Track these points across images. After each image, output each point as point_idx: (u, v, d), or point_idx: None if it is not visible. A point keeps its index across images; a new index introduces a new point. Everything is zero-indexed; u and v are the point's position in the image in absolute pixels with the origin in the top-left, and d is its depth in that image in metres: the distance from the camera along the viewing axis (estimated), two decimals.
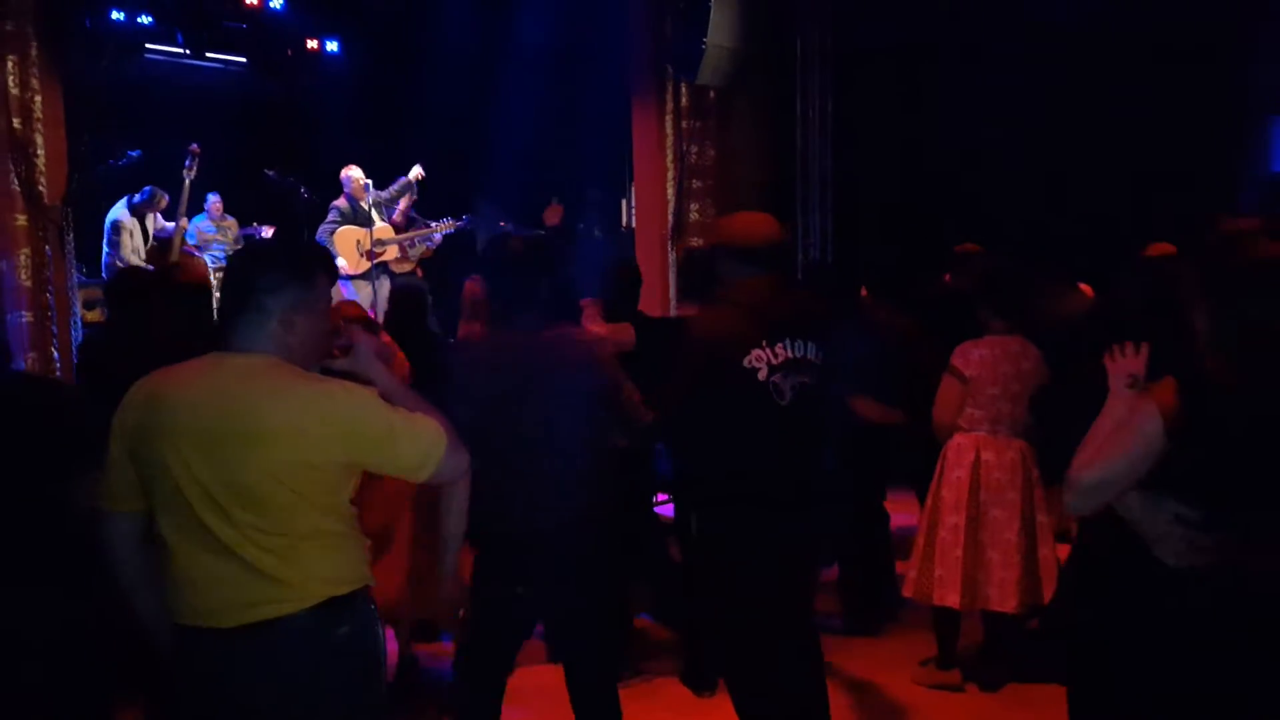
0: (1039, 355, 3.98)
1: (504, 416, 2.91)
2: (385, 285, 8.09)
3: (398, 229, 8.45)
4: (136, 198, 7.73)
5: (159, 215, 7.96)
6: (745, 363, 2.96)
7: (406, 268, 8.48)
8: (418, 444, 2.17)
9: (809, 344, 3.04)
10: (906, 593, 4.14)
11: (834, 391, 3.56)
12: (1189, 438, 2.11)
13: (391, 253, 8.24)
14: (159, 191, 7.78)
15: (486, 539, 3.04)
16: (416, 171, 8.56)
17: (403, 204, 8.56)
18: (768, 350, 2.97)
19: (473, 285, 4.83)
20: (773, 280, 3.06)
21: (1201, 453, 2.13)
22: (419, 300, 4.84)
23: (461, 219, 8.70)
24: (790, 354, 3.00)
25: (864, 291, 5.12)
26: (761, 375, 2.96)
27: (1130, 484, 2.19)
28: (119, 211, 7.64)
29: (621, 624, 4.29)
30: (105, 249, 7.61)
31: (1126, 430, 2.18)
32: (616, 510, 3.25)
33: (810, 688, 3.24)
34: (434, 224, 8.52)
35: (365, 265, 8.10)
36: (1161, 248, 4.71)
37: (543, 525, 2.95)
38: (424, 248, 8.56)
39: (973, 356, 3.97)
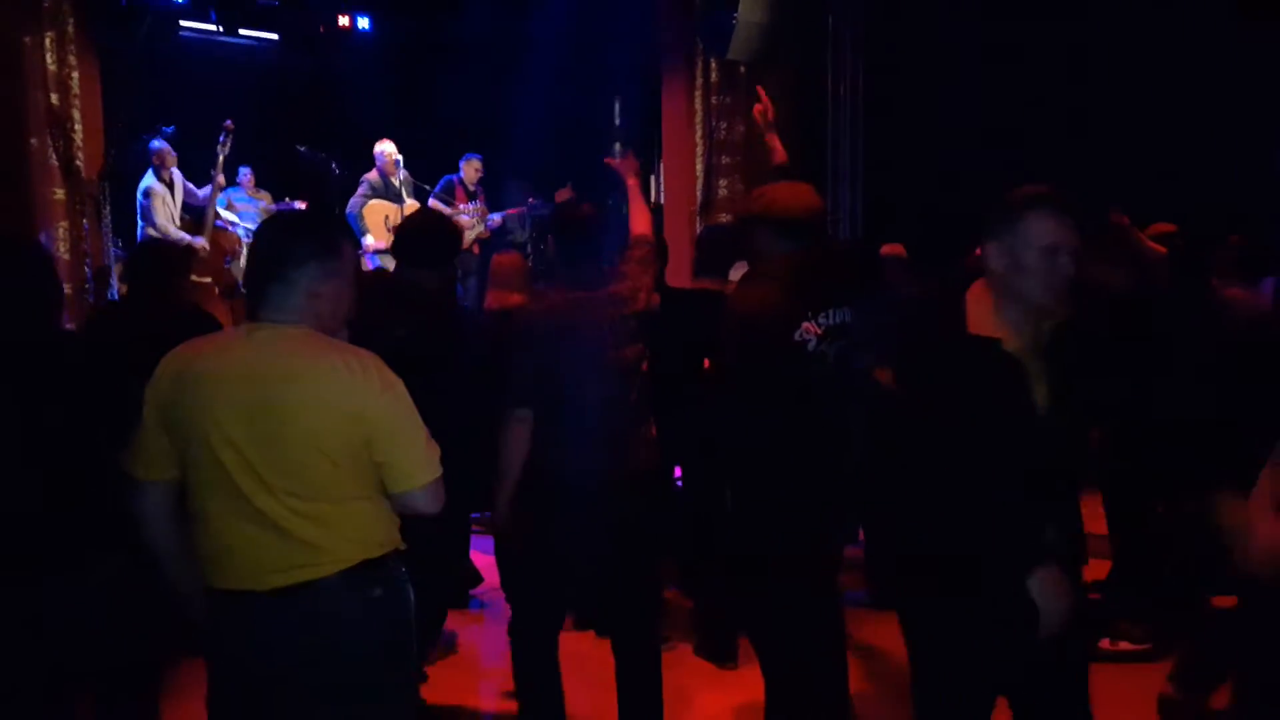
0: None
1: (576, 371, 3.02)
2: None
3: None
4: (153, 163, 7.63)
5: (189, 186, 7.97)
6: (796, 337, 2.96)
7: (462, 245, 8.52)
8: (423, 452, 2.21)
9: (845, 310, 3.05)
10: None
11: (860, 364, 3.58)
12: None
13: None
14: (162, 147, 7.59)
15: (549, 490, 3.08)
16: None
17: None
18: (813, 322, 2.97)
19: (502, 258, 4.86)
20: (814, 252, 3.04)
21: None
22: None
23: (529, 203, 8.80)
24: (832, 322, 3.01)
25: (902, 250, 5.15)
26: (811, 347, 2.97)
27: None
28: (148, 180, 7.63)
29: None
30: (139, 221, 7.66)
31: None
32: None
33: (837, 655, 3.29)
34: (463, 216, 8.58)
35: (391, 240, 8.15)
36: (1161, 227, 4.65)
37: (610, 478, 3.03)
38: (480, 229, 8.62)
39: None
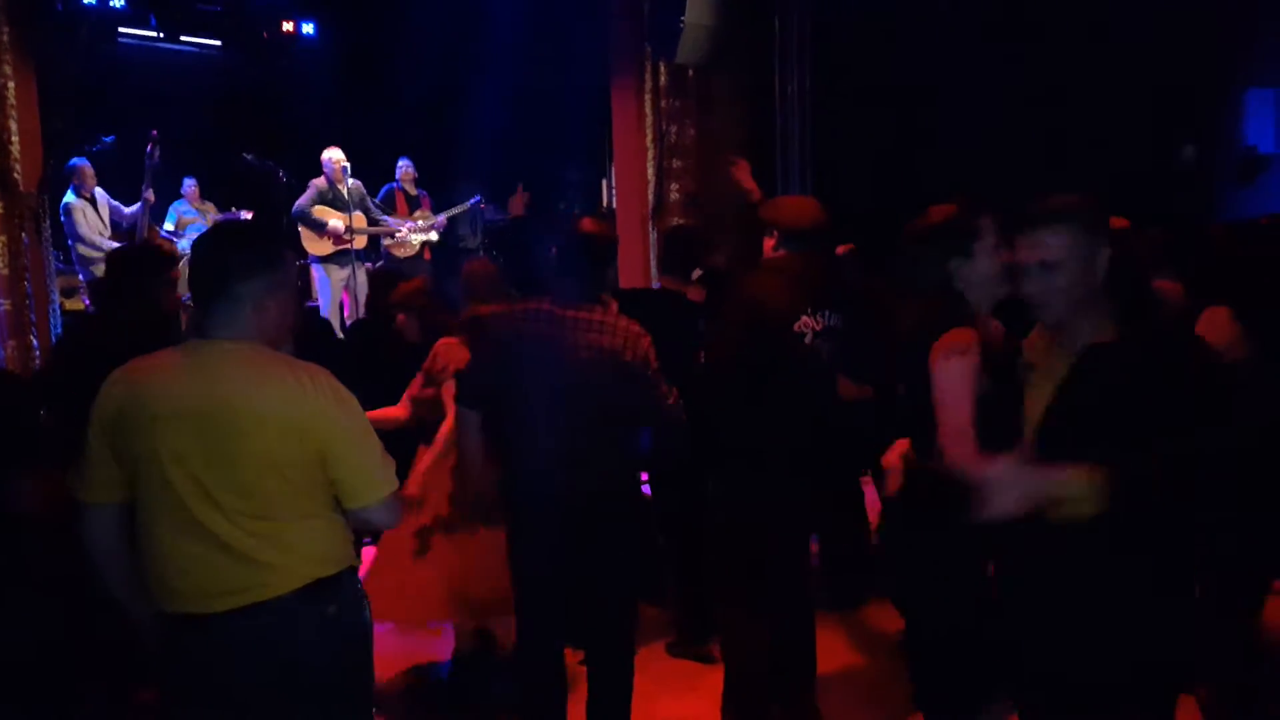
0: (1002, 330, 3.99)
1: (540, 383, 2.97)
2: (361, 271, 8.06)
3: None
4: (73, 182, 7.55)
5: (115, 204, 7.84)
6: (796, 327, 3.22)
7: (410, 251, 8.49)
8: (379, 466, 2.19)
9: (835, 314, 3.31)
10: None
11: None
12: None
13: (360, 242, 8.20)
14: (81, 164, 7.56)
15: (523, 505, 3.05)
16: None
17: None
18: (812, 318, 3.24)
19: (475, 265, 4.79)
20: (815, 256, 3.33)
21: None
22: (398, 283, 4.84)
23: (474, 201, 8.78)
24: (825, 322, 3.27)
25: (849, 248, 5.25)
26: (808, 339, 3.24)
27: None
28: (67, 197, 7.51)
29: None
30: (68, 238, 7.54)
31: None
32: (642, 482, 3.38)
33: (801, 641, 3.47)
34: (408, 224, 8.52)
35: (333, 249, 8.07)
36: (1115, 222, 4.75)
37: (580, 489, 3.00)
38: (431, 234, 8.59)
39: None
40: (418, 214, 8.67)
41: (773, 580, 3.42)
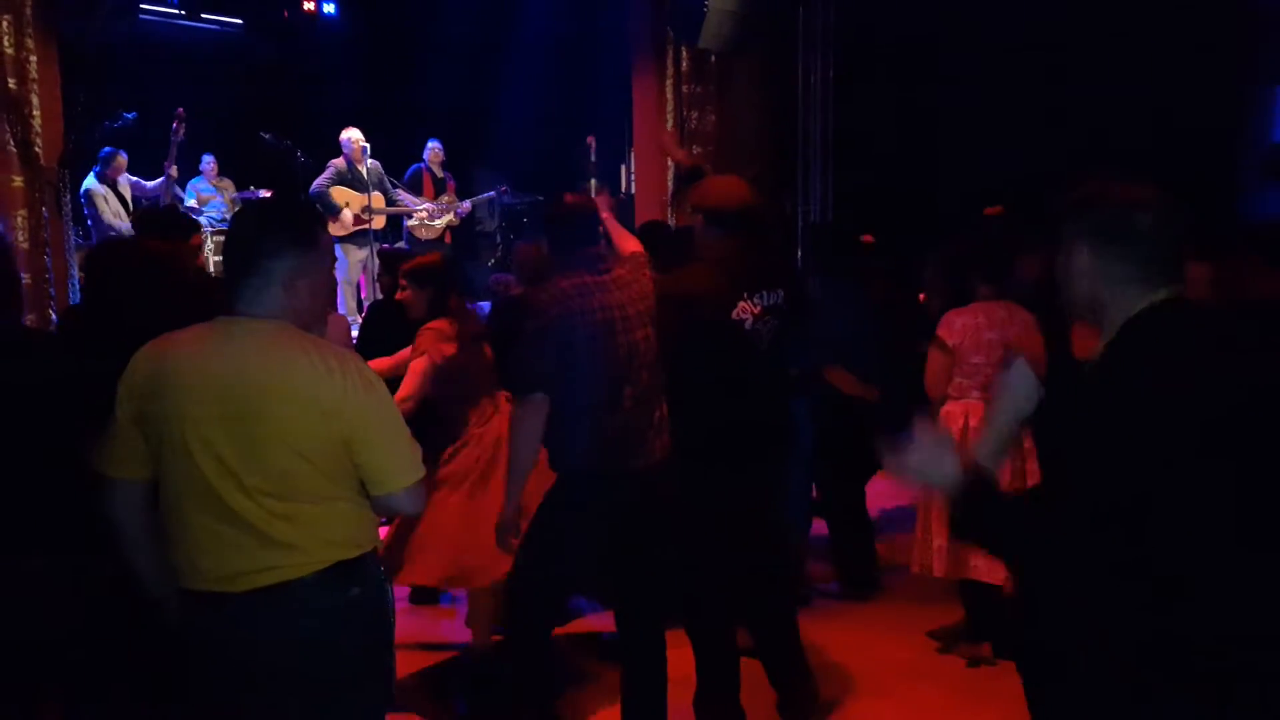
0: (1030, 319, 3.87)
1: (595, 352, 2.97)
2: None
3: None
4: (98, 166, 7.64)
5: (135, 180, 7.90)
6: (733, 315, 3.20)
7: (432, 235, 8.50)
8: (405, 453, 2.17)
9: (777, 292, 3.30)
10: (913, 568, 4.13)
11: (808, 360, 3.94)
12: None
13: (378, 222, 8.20)
14: (116, 152, 7.67)
15: (574, 474, 3.06)
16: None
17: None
18: (749, 302, 3.22)
19: (529, 249, 4.75)
20: (745, 242, 3.27)
21: None
22: (450, 269, 4.78)
23: (500, 189, 8.77)
24: (765, 304, 3.26)
25: (869, 238, 5.24)
26: (748, 325, 3.22)
27: None
28: (89, 181, 7.58)
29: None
30: (86, 219, 7.59)
31: None
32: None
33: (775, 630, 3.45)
34: (427, 205, 8.52)
35: (352, 229, 8.08)
36: None
37: (637, 462, 3.01)
38: (450, 217, 8.60)
39: (955, 325, 3.92)
40: (443, 196, 8.67)
41: (738, 572, 3.39)
